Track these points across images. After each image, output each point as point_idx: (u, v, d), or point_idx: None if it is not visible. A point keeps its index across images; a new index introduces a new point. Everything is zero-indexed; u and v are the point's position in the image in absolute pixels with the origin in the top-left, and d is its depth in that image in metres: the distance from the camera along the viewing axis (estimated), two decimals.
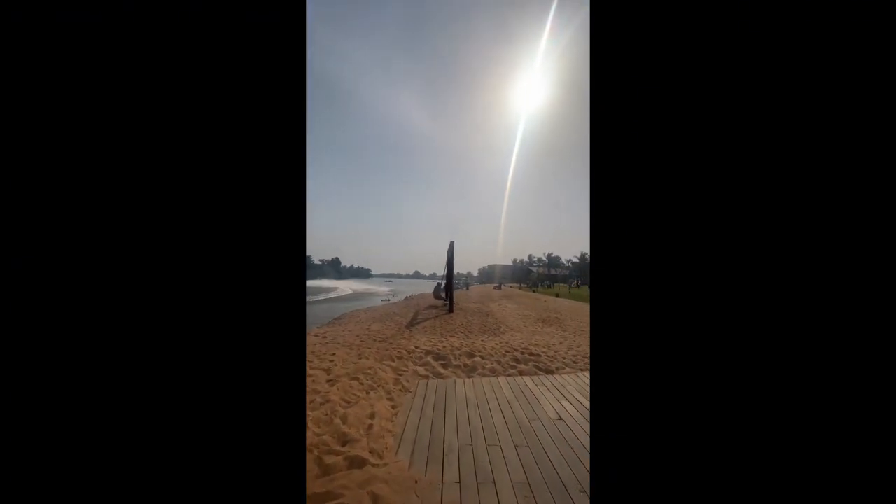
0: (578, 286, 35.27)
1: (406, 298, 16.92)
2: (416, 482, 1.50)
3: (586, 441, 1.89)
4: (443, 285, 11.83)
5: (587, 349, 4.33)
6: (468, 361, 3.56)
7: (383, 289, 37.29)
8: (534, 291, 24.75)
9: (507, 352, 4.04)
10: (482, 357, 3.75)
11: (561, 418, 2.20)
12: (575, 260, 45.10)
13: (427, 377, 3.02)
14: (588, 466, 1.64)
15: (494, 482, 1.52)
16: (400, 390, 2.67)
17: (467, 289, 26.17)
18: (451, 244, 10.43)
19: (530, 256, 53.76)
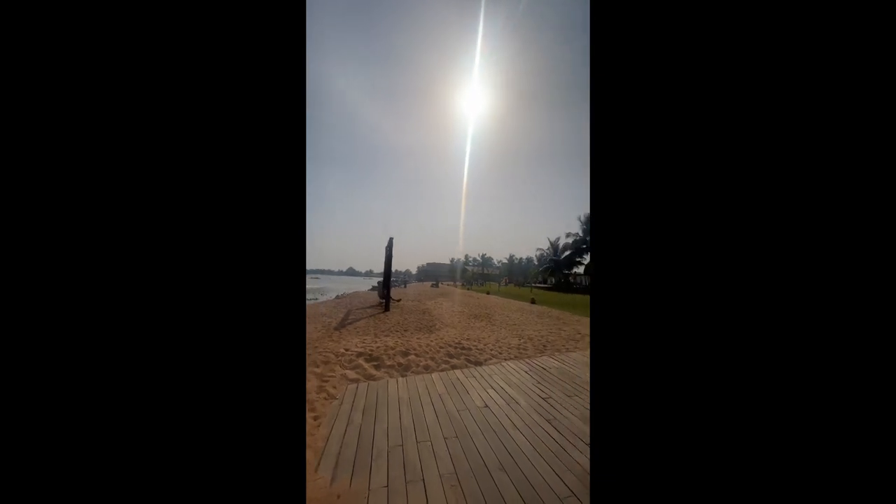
0: (506, 284, 39.49)
1: (337, 297, 15.52)
2: (338, 497, 1.38)
3: (507, 423, 2.10)
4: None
5: (510, 340, 4.84)
6: (402, 360, 3.50)
7: (310, 286, 33.32)
8: (468, 289, 26.28)
9: (441, 347, 4.16)
10: (417, 355, 3.75)
11: (486, 406, 2.38)
12: (504, 261, 49.97)
13: (357, 381, 2.84)
14: (507, 446, 1.83)
15: (423, 479, 1.53)
16: (324, 398, 2.42)
17: (405, 286, 25.93)
18: (391, 241, 10.11)
19: (466, 256, 56.93)
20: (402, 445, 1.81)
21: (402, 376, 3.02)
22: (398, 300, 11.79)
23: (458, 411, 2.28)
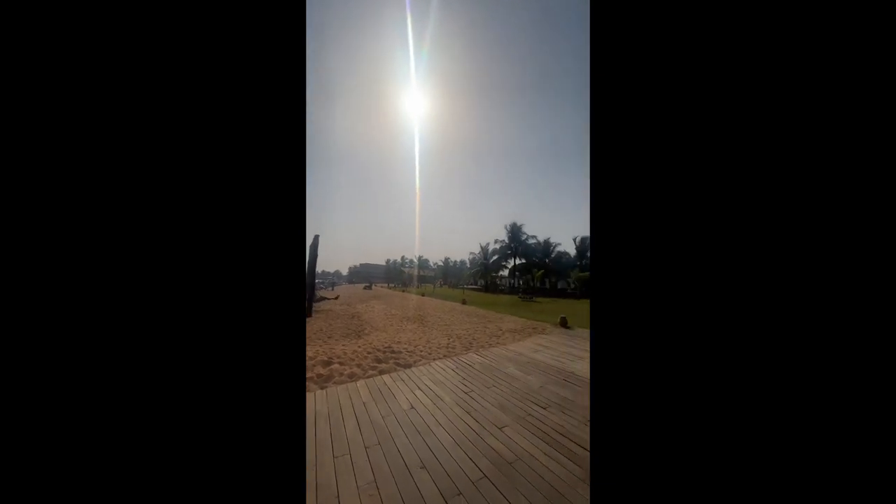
0: (441, 286, 40.76)
1: None
2: None
3: (431, 421, 2.16)
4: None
5: (440, 340, 5.01)
6: (323, 371, 3.19)
7: None
8: (403, 291, 25.95)
9: (368, 353, 3.97)
10: (341, 363, 3.48)
11: (413, 407, 2.40)
12: (440, 263, 51.46)
13: None
14: (430, 444, 1.88)
15: (338, 495, 1.43)
16: None
17: (332, 288, 23.74)
18: (316, 238, 9.09)
19: (403, 257, 56.08)
20: (315, 465, 1.65)
21: (322, 388, 2.75)
22: (336, 297, 11.14)
23: (382, 417, 2.21)
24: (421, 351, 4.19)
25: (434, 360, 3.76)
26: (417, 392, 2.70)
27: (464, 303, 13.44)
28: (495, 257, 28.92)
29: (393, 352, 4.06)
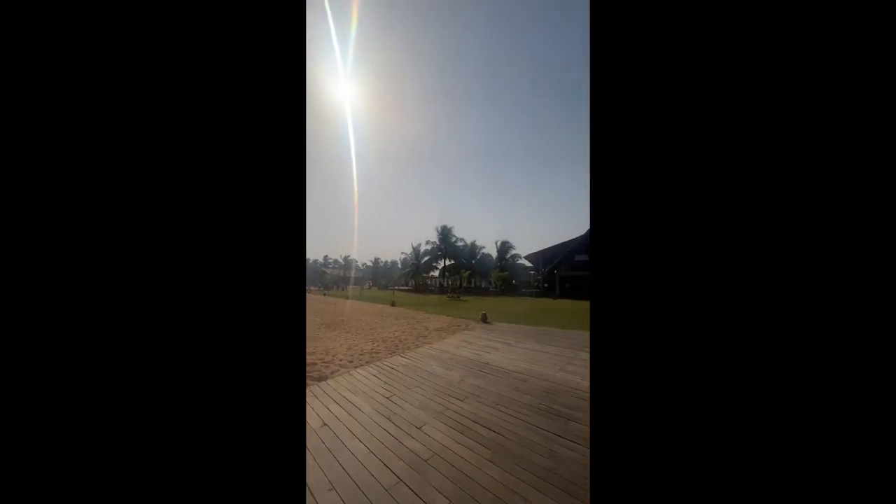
0: (370, 287, 38.66)
1: None
2: None
3: (346, 435, 2.01)
4: None
5: (364, 346, 4.73)
6: None
7: None
8: (324, 295, 23.41)
9: None
10: None
11: (325, 424, 2.18)
12: (369, 264, 48.70)
13: None
14: (341, 460, 1.74)
15: None
16: None
17: None
18: None
19: (326, 257, 50.51)
20: None
21: None
22: None
23: None
24: (340, 360, 3.86)
25: (355, 367, 3.52)
26: (332, 406, 2.47)
27: (393, 304, 13.12)
28: (427, 258, 29.42)
29: (306, 364, 3.59)
